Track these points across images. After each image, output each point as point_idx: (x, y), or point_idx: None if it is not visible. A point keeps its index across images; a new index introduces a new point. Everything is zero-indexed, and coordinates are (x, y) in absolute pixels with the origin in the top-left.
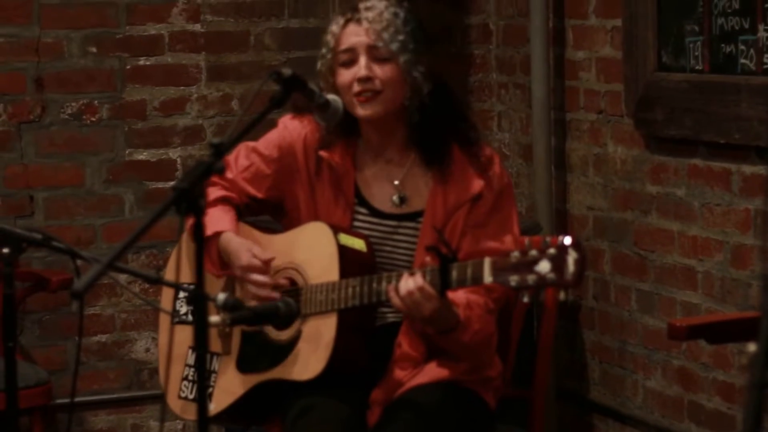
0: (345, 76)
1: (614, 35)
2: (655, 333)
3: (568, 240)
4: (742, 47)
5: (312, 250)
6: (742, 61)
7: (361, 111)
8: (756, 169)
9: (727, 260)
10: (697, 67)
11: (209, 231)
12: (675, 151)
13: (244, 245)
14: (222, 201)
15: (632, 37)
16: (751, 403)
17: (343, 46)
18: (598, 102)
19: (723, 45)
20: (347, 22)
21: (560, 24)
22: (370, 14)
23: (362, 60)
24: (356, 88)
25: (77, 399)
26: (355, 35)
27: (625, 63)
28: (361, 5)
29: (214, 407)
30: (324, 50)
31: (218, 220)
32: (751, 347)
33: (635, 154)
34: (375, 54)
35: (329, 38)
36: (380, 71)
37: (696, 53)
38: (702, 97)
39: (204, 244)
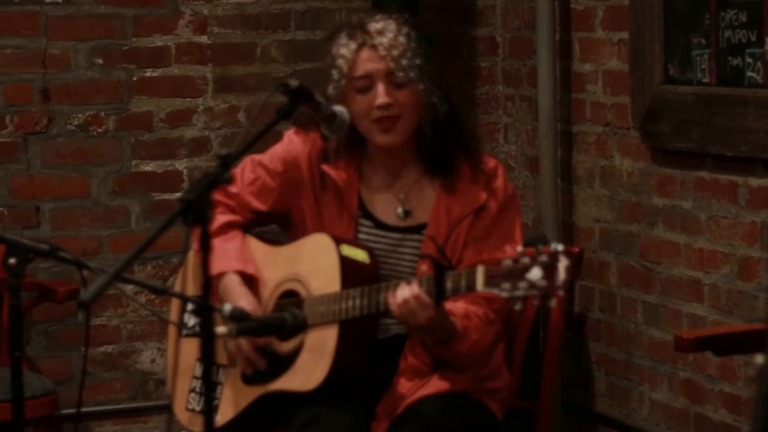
0: (362, 102)
1: (621, 48)
2: (661, 345)
3: (560, 247)
4: (749, 60)
5: (314, 262)
6: (749, 73)
7: (383, 139)
8: (762, 181)
9: (733, 273)
10: (703, 80)
11: (213, 269)
12: (681, 164)
13: (250, 303)
14: (226, 228)
15: (639, 50)
16: (758, 415)
17: (359, 72)
18: (605, 114)
19: (730, 58)
20: (361, 47)
21: (567, 36)
22: (384, 39)
23: (380, 87)
24: (376, 114)
25: (83, 409)
26: (371, 62)
27: (632, 76)
28: (371, 27)
29: (220, 418)
30: (336, 75)
31: (221, 256)
32: (758, 359)
33: (642, 166)
34: (393, 80)
35: (341, 63)
36: (400, 96)
37: (703, 66)
38: (709, 109)
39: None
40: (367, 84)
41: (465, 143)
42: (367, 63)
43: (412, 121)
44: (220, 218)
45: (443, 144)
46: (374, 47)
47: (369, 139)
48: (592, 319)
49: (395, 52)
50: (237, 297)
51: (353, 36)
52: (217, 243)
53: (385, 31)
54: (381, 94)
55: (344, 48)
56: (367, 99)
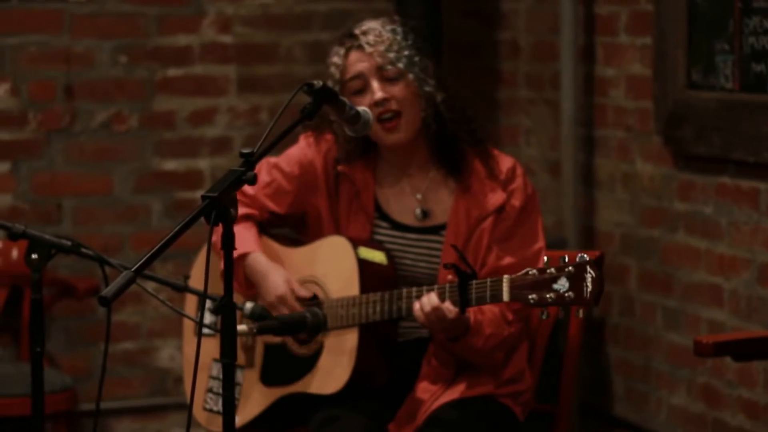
0: (360, 104)
1: (644, 53)
2: (680, 350)
3: (586, 258)
4: None
5: (332, 264)
6: None
7: (391, 139)
8: None
9: (753, 278)
10: (726, 86)
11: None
12: (703, 169)
13: (282, 274)
14: (244, 219)
15: (662, 55)
16: None
17: (351, 74)
18: (627, 119)
19: (753, 64)
20: (348, 50)
21: (590, 41)
22: (370, 37)
23: (374, 84)
24: (376, 111)
25: (101, 406)
26: (360, 61)
27: (655, 80)
28: (357, 30)
29: (240, 419)
30: (330, 83)
31: (243, 240)
32: None
33: (663, 171)
34: (385, 75)
35: (333, 70)
36: (394, 91)
37: (726, 72)
38: (731, 115)
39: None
40: (361, 84)
41: (469, 130)
42: (357, 63)
43: (415, 115)
44: (239, 209)
45: (448, 133)
46: (361, 47)
47: (379, 143)
48: (611, 324)
49: (381, 47)
50: (279, 277)
51: (342, 43)
52: (236, 229)
53: (370, 30)
54: (376, 90)
55: (335, 56)
56: (365, 99)
